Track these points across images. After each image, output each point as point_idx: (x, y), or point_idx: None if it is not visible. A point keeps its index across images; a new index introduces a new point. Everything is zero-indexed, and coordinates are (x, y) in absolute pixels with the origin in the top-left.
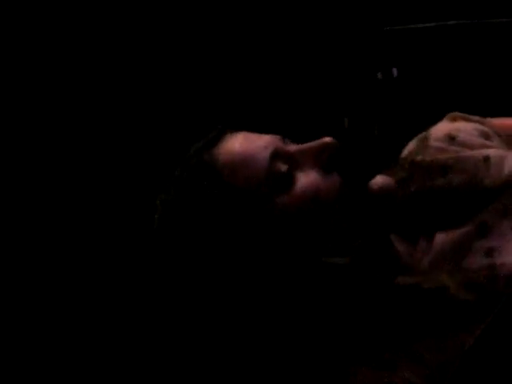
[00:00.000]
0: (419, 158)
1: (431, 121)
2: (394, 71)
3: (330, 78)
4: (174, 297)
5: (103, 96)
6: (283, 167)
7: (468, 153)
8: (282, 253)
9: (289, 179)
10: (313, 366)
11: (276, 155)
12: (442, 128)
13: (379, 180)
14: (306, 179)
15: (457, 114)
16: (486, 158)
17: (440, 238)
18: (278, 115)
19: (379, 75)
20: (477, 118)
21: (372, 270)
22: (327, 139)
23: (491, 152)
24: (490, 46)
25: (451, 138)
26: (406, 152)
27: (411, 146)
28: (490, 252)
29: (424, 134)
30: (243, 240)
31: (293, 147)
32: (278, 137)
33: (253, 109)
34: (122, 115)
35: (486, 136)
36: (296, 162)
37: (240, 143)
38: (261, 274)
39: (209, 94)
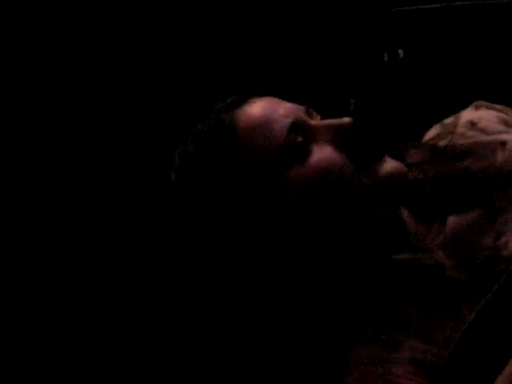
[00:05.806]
0: (442, 142)
1: (438, 102)
2: (400, 52)
3: (335, 59)
4: (180, 290)
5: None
6: (299, 138)
7: (485, 138)
8: (295, 226)
9: (304, 151)
10: (313, 346)
11: (295, 126)
12: (465, 115)
13: (389, 165)
14: (321, 153)
15: (481, 102)
16: (503, 143)
17: (452, 221)
18: (282, 98)
19: (385, 57)
20: (499, 106)
21: (380, 246)
22: (347, 119)
23: (508, 137)
24: (497, 27)
25: (472, 124)
26: (428, 136)
27: (434, 130)
28: (498, 236)
29: (452, 119)
30: (256, 209)
31: (314, 121)
32: (303, 108)
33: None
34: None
35: (505, 123)
36: (313, 136)
37: (261, 108)
38: (275, 248)
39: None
